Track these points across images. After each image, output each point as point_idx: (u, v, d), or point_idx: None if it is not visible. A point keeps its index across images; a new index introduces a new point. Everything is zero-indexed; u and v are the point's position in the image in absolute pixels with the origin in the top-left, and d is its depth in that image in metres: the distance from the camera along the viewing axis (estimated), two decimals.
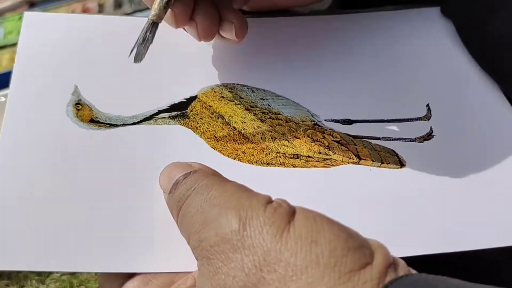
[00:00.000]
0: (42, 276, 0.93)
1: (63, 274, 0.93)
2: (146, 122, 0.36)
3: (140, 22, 0.41)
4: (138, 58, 0.33)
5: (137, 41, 0.33)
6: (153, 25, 0.33)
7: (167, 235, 0.31)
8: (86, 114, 0.36)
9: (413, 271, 0.24)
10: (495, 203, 0.33)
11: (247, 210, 0.25)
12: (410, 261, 0.25)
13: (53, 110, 0.36)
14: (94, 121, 0.36)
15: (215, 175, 0.29)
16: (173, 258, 0.30)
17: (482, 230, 0.32)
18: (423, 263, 0.26)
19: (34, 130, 0.35)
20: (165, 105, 0.37)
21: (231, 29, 0.36)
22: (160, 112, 0.37)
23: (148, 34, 0.32)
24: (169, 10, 0.33)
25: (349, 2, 0.47)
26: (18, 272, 0.92)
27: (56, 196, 0.32)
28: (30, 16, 0.41)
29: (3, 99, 0.78)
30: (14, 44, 0.92)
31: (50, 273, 0.93)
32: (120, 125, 0.36)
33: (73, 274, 0.93)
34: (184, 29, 0.37)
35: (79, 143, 0.35)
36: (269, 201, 0.26)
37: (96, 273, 0.93)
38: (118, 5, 1.03)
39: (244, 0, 0.41)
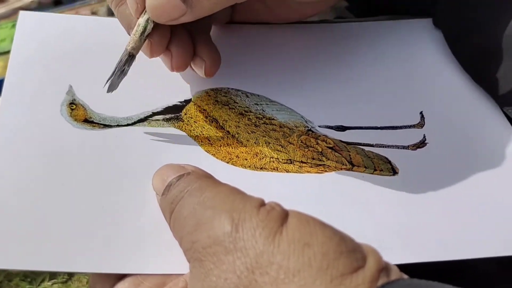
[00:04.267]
0: (34, 284, 0.92)
1: (55, 283, 0.92)
2: (140, 123, 0.36)
3: None
4: (112, 88, 0.34)
5: (114, 72, 0.34)
6: (131, 58, 0.34)
7: (159, 237, 0.30)
8: (80, 114, 0.36)
9: (405, 276, 0.24)
10: (488, 211, 0.33)
11: (240, 213, 0.25)
12: (402, 269, 0.25)
13: (47, 109, 0.36)
14: (88, 121, 0.36)
15: (209, 178, 0.29)
16: (165, 260, 0.30)
17: (474, 239, 0.32)
18: (414, 272, 0.26)
19: (27, 128, 0.35)
20: (159, 107, 0.37)
21: (201, 67, 0.37)
22: (154, 114, 0.37)
23: (126, 67, 0.34)
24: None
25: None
26: (9, 281, 0.91)
27: (48, 196, 0.32)
28: (25, 16, 0.41)
29: None
30: (7, 52, 0.92)
31: (41, 281, 0.92)
32: (114, 126, 0.36)
33: (64, 282, 0.92)
34: None
35: (72, 143, 0.34)
36: (262, 204, 0.26)
37: (87, 281, 0.93)
38: (111, 13, 1.04)
39: (226, 18, 0.42)
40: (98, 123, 0.36)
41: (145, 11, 0.33)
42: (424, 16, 0.45)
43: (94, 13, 1.05)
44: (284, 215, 0.25)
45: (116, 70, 0.34)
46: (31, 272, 0.91)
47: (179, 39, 0.36)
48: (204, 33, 0.38)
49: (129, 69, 0.34)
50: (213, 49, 0.38)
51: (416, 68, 0.42)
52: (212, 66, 0.37)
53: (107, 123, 0.36)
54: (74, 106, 0.36)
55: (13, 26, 0.95)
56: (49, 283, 0.93)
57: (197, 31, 0.37)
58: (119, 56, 0.34)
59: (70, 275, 0.93)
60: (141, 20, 0.33)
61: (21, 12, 0.41)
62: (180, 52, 0.36)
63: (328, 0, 0.42)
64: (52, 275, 0.93)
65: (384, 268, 0.24)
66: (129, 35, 0.35)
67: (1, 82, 0.37)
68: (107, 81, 0.34)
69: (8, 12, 1.09)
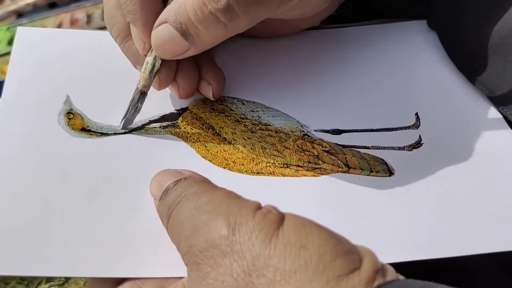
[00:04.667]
0: (30, 287, 0.92)
1: (52, 285, 0.92)
2: (137, 131, 0.36)
3: None
4: (126, 125, 0.36)
5: (128, 110, 0.35)
6: (143, 95, 0.35)
7: (157, 241, 0.31)
8: (78, 123, 0.36)
9: (401, 277, 0.24)
10: (484, 209, 0.33)
11: (236, 216, 0.25)
12: (399, 270, 0.25)
13: (45, 119, 0.36)
14: (86, 130, 0.36)
15: (205, 182, 0.29)
16: (163, 263, 0.30)
17: (470, 237, 0.32)
18: (411, 271, 0.26)
19: (26, 137, 0.35)
20: (156, 115, 0.38)
21: (208, 90, 0.38)
22: (151, 122, 0.37)
23: (139, 104, 0.35)
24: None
25: (337, 17, 0.47)
26: (6, 284, 0.91)
27: (46, 203, 0.32)
28: (23, 31, 0.42)
29: None
30: (2, 55, 0.92)
31: (38, 284, 0.92)
32: (111, 134, 0.36)
33: (61, 285, 0.92)
34: None
35: (70, 151, 0.35)
36: (258, 207, 0.26)
37: (84, 283, 0.93)
38: None
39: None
40: (95, 132, 0.36)
41: (152, 49, 0.34)
42: (418, 18, 0.46)
43: (89, 15, 1.05)
44: (280, 218, 0.25)
45: (130, 108, 0.35)
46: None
47: (185, 69, 0.37)
48: (208, 57, 0.39)
49: (142, 106, 0.36)
50: (218, 71, 0.39)
51: (411, 70, 0.42)
52: (218, 88, 0.38)
53: (104, 132, 0.36)
54: (72, 116, 0.37)
55: (8, 29, 0.95)
56: (46, 286, 0.93)
57: (202, 55, 0.38)
58: (132, 94, 0.35)
59: (67, 277, 0.93)
60: (149, 58, 0.34)
61: (19, 28, 0.42)
62: (187, 82, 0.37)
63: (321, 14, 0.42)
64: (49, 278, 0.93)
65: (380, 269, 0.24)
66: (136, 69, 0.36)
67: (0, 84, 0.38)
68: (122, 119, 0.36)
69: (4, 14, 1.08)
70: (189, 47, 0.33)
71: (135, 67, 0.37)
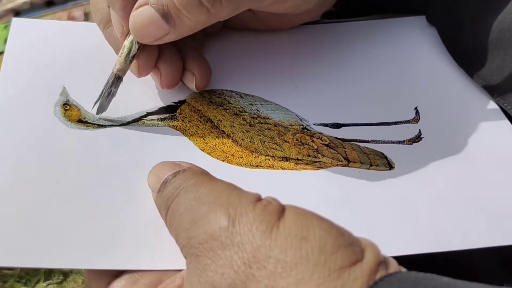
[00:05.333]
0: (29, 285, 0.92)
1: (50, 283, 0.92)
2: (135, 123, 0.36)
3: None
4: (101, 110, 0.35)
5: (101, 94, 0.35)
6: (118, 79, 0.35)
7: (156, 234, 0.30)
8: (74, 114, 0.36)
9: (404, 269, 0.24)
10: (483, 203, 0.33)
11: (236, 208, 0.25)
12: (401, 263, 0.25)
13: (41, 110, 0.36)
14: (82, 121, 0.36)
15: (204, 174, 0.29)
16: (161, 256, 0.30)
17: (470, 230, 0.32)
18: (413, 266, 0.26)
19: (22, 129, 0.35)
20: (154, 107, 0.37)
21: (192, 81, 0.37)
22: (148, 114, 0.37)
23: (113, 88, 0.35)
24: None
25: (336, 12, 0.47)
26: (4, 282, 0.91)
27: (43, 194, 0.32)
28: (18, 22, 0.42)
29: None
30: (1, 53, 0.92)
31: (36, 282, 0.92)
32: (108, 125, 0.36)
33: (59, 283, 0.92)
34: None
35: (67, 143, 0.35)
36: (258, 198, 0.26)
37: (82, 281, 0.92)
38: None
39: (217, 30, 0.42)
40: (92, 123, 0.36)
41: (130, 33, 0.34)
42: (417, 14, 0.46)
43: (86, 13, 1.05)
44: (281, 210, 0.25)
45: (104, 92, 0.35)
46: (26, 273, 0.91)
47: (167, 57, 0.36)
48: (194, 47, 0.38)
49: (116, 90, 0.35)
50: (203, 62, 0.38)
51: (411, 65, 0.42)
52: (202, 80, 0.37)
53: (101, 123, 0.36)
54: (68, 107, 0.36)
55: (6, 27, 0.95)
56: (44, 284, 0.93)
57: (186, 46, 0.37)
58: (107, 78, 0.35)
59: (65, 275, 0.93)
60: (126, 42, 0.34)
61: (14, 19, 0.42)
62: (169, 70, 0.36)
63: (318, 9, 0.42)
64: (47, 276, 0.93)
65: (383, 261, 0.24)
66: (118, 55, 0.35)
67: None
68: (95, 103, 0.35)
69: (1, 13, 1.08)
70: (169, 31, 0.32)
71: (117, 54, 0.36)
